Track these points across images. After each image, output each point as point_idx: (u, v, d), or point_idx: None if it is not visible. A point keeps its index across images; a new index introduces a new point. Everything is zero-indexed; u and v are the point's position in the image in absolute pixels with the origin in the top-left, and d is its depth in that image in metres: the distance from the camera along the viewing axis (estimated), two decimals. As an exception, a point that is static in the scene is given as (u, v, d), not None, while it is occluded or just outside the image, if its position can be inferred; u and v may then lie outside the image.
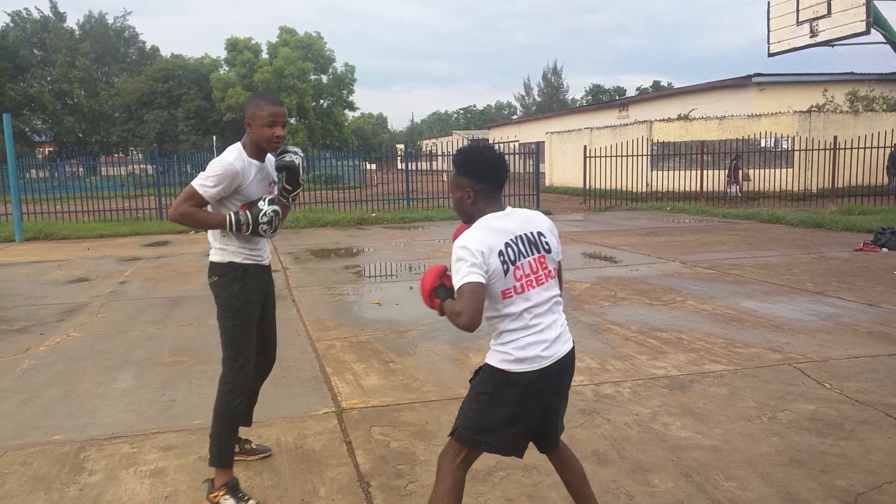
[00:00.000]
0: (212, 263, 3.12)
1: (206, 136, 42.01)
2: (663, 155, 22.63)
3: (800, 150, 20.56)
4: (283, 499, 3.13)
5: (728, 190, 21.48)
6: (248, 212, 3.00)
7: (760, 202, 19.81)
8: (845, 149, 18.48)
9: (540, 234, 2.42)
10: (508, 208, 2.45)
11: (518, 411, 2.34)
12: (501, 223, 2.37)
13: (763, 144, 21.72)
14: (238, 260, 3.06)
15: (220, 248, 3.08)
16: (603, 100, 63.51)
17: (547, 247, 2.41)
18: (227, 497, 3.00)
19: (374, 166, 35.31)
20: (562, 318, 2.44)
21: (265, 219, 3.00)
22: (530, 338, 2.32)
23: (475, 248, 2.27)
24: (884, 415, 3.86)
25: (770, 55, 10.62)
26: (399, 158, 24.87)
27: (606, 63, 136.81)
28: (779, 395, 4.21)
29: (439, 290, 2.39)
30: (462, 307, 2.21)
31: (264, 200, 3.04)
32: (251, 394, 3.31)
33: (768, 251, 10.39)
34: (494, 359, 2.37)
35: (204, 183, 2.95)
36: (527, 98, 75.70)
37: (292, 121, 44.15)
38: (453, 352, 5.43)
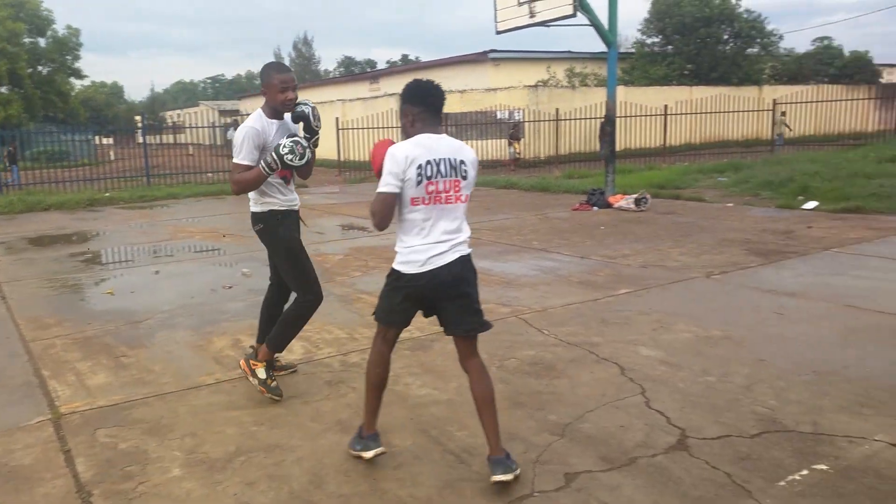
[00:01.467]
0: (254, 213, 3.77)
1: None
2: (412, 126, 23.42)
3: (530, 122, 22.65)
4: (-20, 527, 2.72)
5: (510, 153, 22.87)
6: (271, 153, 3.50)
7: (497, 170, 21.46)
8: (566, 120, 20.75)
9: (462, 161, 2.86)
10: (443, 135, 2.89)
11: (407, 300, 2.94)
12: (430, 142, 2.82)
13: (499, 116, 23.51)
14: (276, 207, 3.73)
15: (261, 201, 3.71)
16: (355, 72, 63.78)
17: (465, 174, 2.87)
18: (262, 370, 3.85)
19: (110, 140, 31.81)
20: (461, 236, 2.93)
21: (285, 150, 3.47)
22: (421, 245, 2.84)
23: (400, 156, 2.76)
24: (588, 352, 4.43)
25: (498, 33, 11.45)
26: (139, 131, 22.70)
27: (358, 35, 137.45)
28: (507, 345, 4.62)
29: None
30: (375, 210, 2.83)
31: (283, 139, 3.55)
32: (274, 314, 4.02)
33: (503, 214, 11.33)
34: (395, 260, 2.93)
35: (237, 152, 3.59)
36: (278, 69, 73.14)
37: (3, 90, 37.95)
38: (195, 338, 5.12)
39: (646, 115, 20.79)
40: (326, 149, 27.60)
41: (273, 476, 3.06)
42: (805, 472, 2.88)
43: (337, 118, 22.41)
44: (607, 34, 10.97)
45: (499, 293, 6.07)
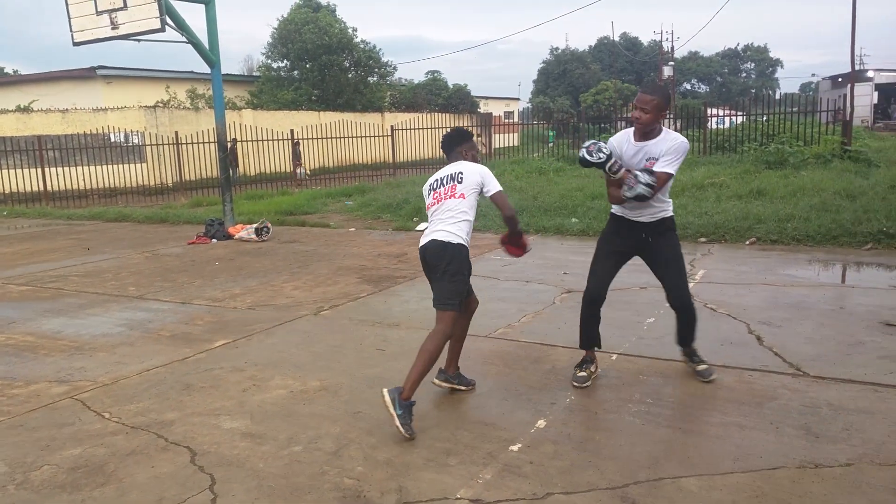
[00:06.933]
0: None
1: None
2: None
3: (150, 145, 20.58)
4: None
5: (296, 172, 22.18)
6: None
7: (116, 199, 18.99)
8: (189, 143, 19.26)
9: (460, 173, 3.79)
10: (457, 163, 3.89)
11: None
12: (439, 172, 3.92)
13: (113, 139, 20.90)
14: (613, 211, 4.14)
15: None
16: (-74, 83, 51.70)
17: (460, 178, 3.78)
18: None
19: None
20: (444, 224, 3.75)
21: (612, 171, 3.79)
22: (426, 230, 3.85)
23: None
24: (156, 437, 3.55)
25: (75, 44, 9.76)
26: None
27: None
28: (42, 446, 3.50)
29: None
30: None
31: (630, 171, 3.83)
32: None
33: (103, 254, 9.68)
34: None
35: None
36: None
37: None
38: None
39: (274, 140, 20.40)
40: None
41: None
42: (381, 564, 2.47)
43: None
44: (208, 54, 10.13)
45: (60, 365, 4.80)
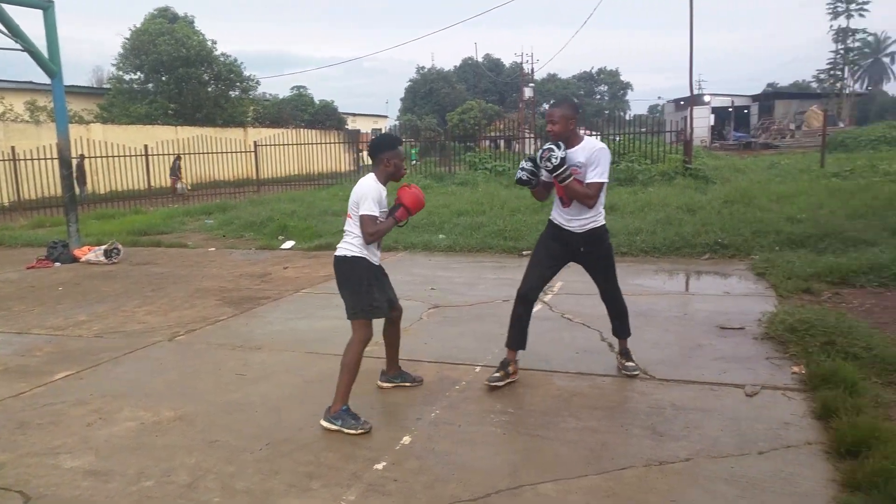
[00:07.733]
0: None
1: None
2: None
3: (-20, 161, 18.69)
4: None
5: (176, 188, 21.22)
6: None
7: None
8: (28, 160, 17.71)
9: (352, 192, 3.87)
10: (362, 178, 3.91)
11: None
12: None
13: (-66, 153, 18.76)
14: (550, 217, 4.44)
15: None
16: None
17: (349, 197, 3.90)
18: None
19: None
20: (342, 242, 3.92)
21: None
22: None
23: None
24: (-19, 485, 3.21)
25: None
26: None
27: None
28: None
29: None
30: None
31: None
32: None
33: (-78, 283, 8.64)
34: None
35: None
36: None
37: None
38: None
39: (126, 156, 19.19)
40: None
41: None
42: None
43: None
44: (48, 63, 9.40)
45: None
